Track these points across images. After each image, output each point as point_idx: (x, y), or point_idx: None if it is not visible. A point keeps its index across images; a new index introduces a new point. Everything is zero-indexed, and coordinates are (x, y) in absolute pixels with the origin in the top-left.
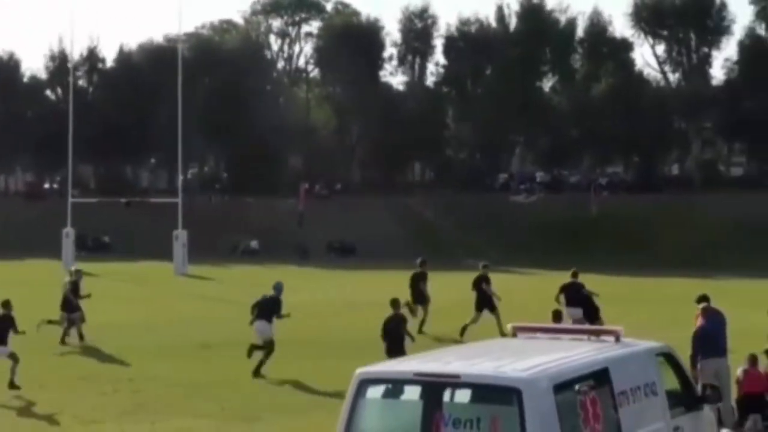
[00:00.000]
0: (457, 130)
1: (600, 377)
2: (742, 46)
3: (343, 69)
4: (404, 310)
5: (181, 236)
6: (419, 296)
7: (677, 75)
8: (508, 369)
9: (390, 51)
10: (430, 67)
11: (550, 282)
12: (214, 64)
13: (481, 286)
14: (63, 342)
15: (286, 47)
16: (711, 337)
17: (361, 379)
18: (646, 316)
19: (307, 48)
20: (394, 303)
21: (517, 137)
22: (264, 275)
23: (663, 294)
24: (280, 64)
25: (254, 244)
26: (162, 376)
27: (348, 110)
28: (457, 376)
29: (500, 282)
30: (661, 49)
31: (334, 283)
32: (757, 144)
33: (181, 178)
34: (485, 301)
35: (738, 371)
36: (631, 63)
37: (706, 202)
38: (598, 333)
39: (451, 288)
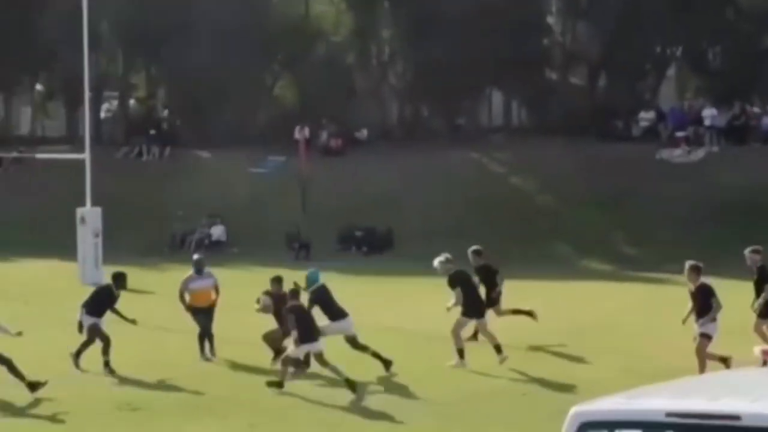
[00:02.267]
0: (565, 33)
1: None
2: None
3: None
4: None
5: (90, 218)
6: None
7: None
8: None
9: None
10: None
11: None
12: None
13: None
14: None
15: None
16: None
17: (582, 422)
18: None
19: None
20: None
21: (671, 48)
22: (251, 281)
23: None
24: None
25: (218, 231)
26: None
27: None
28: (736, 417)
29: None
30: None
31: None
32: None
33: (88, 117)
34: None
35: None
36: None
37: None
38: None
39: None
